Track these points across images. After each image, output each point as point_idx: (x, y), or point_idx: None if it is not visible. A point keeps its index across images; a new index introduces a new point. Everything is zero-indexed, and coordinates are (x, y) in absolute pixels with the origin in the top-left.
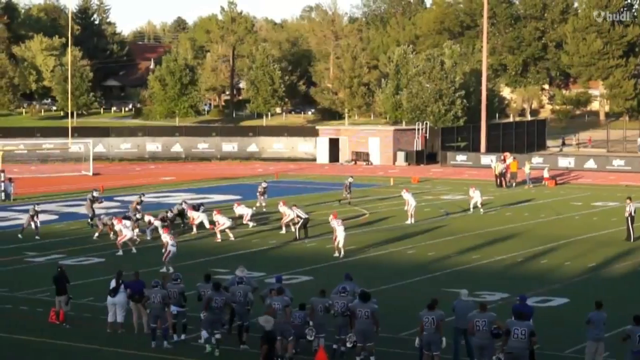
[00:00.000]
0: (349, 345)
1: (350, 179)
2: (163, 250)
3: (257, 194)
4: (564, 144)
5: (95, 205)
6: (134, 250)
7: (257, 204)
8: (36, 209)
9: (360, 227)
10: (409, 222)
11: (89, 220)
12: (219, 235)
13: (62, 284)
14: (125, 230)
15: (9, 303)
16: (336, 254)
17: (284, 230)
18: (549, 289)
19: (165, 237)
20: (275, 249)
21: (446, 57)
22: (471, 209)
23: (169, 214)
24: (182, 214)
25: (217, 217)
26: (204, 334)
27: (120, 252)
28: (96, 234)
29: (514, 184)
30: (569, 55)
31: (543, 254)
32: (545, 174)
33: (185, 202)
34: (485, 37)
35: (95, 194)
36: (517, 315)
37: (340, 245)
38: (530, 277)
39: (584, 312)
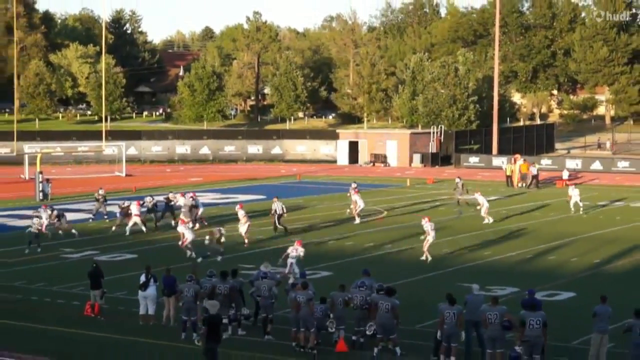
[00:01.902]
0: (368, 333)
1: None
2: (180, 243)
3: (350, 195)
4: (599, 146)
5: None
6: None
7: (352, 206)
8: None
9: (378, 226)
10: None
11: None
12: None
13: (96, 279)
14: (187, 233)
15: (47, 297)
16: (423, 258)
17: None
18: (556, 284)
19: (181, 228)
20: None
21: (460, 64)
22: (572, 208)
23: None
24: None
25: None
26: None
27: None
28: (113, 227)
29: (524, 185)
30: (577, 63)
31: (551, 250)
32: (565, 176)
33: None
34: (497, 45)
35: (101, 192)
36: (530, 307)
37: (425, 248)
38: (539, 272)
39: (589, 306)
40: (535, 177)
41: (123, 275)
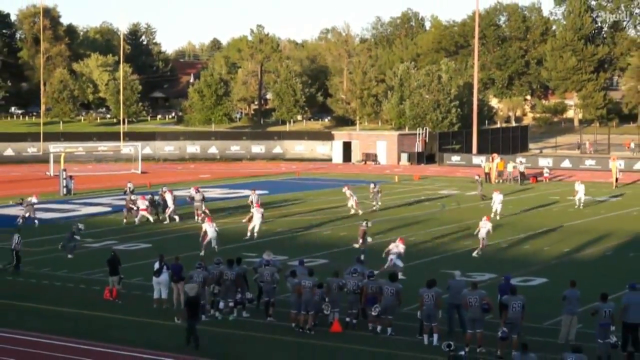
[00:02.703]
0: (374, 314)
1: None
2: (200, 239)
3: (371, 195)
4: (579, 147)
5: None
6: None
7: (374, 204)
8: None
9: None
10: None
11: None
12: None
13: (114, 266)
14: (210, 231)
15: (70, 282)
16: (476, 254)
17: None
18: (530, 270)
19: (205, 226)
20: (298, 236)
21: (443, 72)
22: (577, 203)
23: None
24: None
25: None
26: (221, 304)
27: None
28: (124, 220)
29: (500, 181)
30: (548, 71)
31: (525, 240)
32: (545, 173)
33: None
34: (476, 55)
35: (129, 185)
36: (511, 292)
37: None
38: (514, 260)
39: (560, 291)
40: (522, 173)
41: (139, 263)
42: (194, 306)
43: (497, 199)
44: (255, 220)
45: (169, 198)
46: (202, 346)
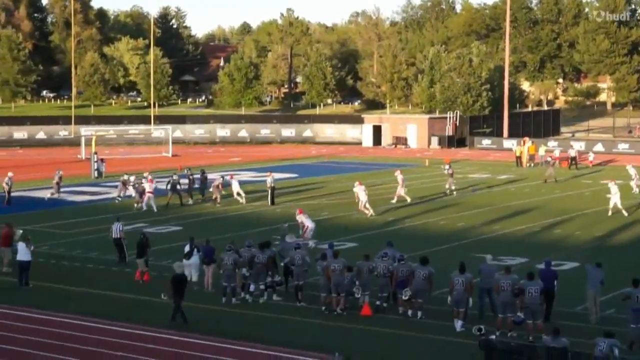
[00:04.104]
0: (404, 298)
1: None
2: (301, 231)
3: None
4: (630, 131)
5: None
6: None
7: (447, 188)
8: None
9: (400, 202)
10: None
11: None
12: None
13: (143, 248)
14: (308, 222)
15: (101, 264)
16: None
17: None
18: (561, 255)
19: (301, 217)
20: (327, 219)
21: (474, 55)
22: (634, 187)
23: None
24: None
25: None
26: (252, 287)
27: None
28: (135, 205)
29: (532, 165)
30: (581, 54)
31: (557, 224)
32: (590, 157)
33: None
34: (508, 38)
35: (175, 177)
36: (528, 277)
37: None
38: (546, 244)
39: None
40: (573, 158)
41: (169, 246)
42: (179, 284)
43: (613, 190)
44: (362, 197)
45: (147, 187)
46: (229, 329)
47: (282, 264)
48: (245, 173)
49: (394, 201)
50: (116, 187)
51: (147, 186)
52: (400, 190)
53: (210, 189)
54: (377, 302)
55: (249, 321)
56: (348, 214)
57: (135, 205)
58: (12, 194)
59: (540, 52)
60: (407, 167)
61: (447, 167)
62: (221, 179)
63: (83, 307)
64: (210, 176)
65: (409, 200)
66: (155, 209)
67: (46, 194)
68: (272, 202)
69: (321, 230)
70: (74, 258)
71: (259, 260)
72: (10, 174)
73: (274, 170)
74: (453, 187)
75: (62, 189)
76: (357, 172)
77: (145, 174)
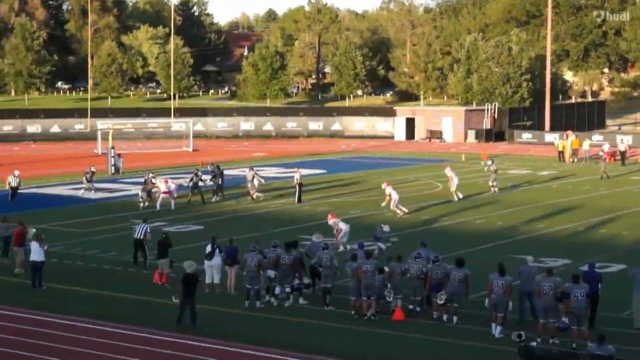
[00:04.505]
0: (439, 302)
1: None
2: (335, 232)
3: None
4: None
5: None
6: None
7: (491, 185)
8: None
9: (434, 199)
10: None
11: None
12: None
13: (164, 249)
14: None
15: (118, 265)
16: None
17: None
18: (608, 256)
19: (333, 221)
20: (357, 218)
21: (513, 43)
22: None
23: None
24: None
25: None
26: (277, 289)
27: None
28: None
29: (575, 160)
30: (627, 42)
31: (602, 223)
32: None
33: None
34: (550, 25)
35: (199, 173)
36: (573, 279)
37: None
38: (591, 245)
39: None
40: (623, 153)
41: (190, 246)
42: (190, 284)
43: None
44: (394, 195)
45: (163, 187)
46: (252, 334)
47: (311, 264)
48: (270, 169)
49: (461, 196)
50: (136, 184)
51: (163, 186)
52: (452, 187)
53: (248, 185)
54: (410, 306)
55: (273, 326)
56: (379, 212)
57: (140, 205)
58: (23, 191)
59: (584, 40)
60: (441, 163)
61: (489, 162)
62: (253, 172)
63: (98, 311)
64: (231, 172)
65: (456, 199)
66: (173, 207)
67: (79, 191)
68: (299, 200)
69: (352, 228)
70: (89, 258)
71: (284, 262)
72: (16, 172)
73: (301, 166)
74: (495, 183)
75: (77, 186)
76: (389, 168)
77: (150, 175)
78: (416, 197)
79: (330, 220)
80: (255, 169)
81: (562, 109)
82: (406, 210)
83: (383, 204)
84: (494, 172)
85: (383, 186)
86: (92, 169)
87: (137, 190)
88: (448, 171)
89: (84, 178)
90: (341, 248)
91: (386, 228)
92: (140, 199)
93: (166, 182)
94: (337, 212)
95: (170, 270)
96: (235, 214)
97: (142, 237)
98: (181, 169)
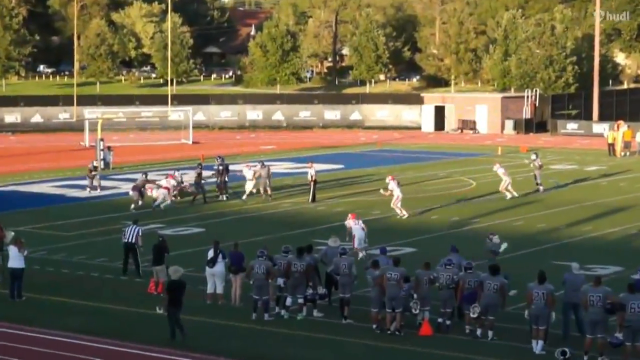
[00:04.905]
0: (473, 315)
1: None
2: (347, 238)
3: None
4: None
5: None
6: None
7: (537, 183)
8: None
9: (466, 198)
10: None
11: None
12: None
13: (160, 254)
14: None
15: (108, 273)
16: None
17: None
18: None
19: (349, 223)
20: (378, 219)
21: (557, 21)
22: None
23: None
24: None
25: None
26: (289, 300)
27: None
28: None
29: (627, 154)
30: None
31: None
32: None
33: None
34: (599, 0)
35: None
36: (629, 289)
37: None
38: None
39: None
40: None
41: (189, 251)
42: (175, 292)
43: None
44: (397, 193)
45: (164, 182)
46: (260, 351)
47: (327, 271)
48: (280, 164)
49: (515, 194)
50: (128, 181)
51: (164, 182)
52: (502, 186)
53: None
54: (439, 320)
55: (283, 342)
56: (404, 213)
57: (133, 205)
58: (1, 188)
59: (638, 17)
60: (475, 157)
61: (534, 156)
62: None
63: (85, 325)
64: (236, 167)
65: (508, 196)
66: (162, 206)
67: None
68: (314, 199)
69: (372, 232)
70: (76, 265)
71: (296, 269)
72: None
73: (315, 160)
74: (539, 180)
75: (62, 182)
76: (415, 163)
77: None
78: (445, 195)
79: (348, 221)
80: (253, 165)
81: (613, 95)
82: (406, 214)
83: (382, 191)
84: (539, 168)
85: (387, 180)
86: (95, 163)
87: (129, 187)
88: (497, 168)
89: (89, 175)
90: (360, 255)
91: (496, 239)
92: (134, 202)
93: (172, 177)
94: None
95: (167, 278)
96: (241, 215)
97: (133, 240)
98: (178, 163)
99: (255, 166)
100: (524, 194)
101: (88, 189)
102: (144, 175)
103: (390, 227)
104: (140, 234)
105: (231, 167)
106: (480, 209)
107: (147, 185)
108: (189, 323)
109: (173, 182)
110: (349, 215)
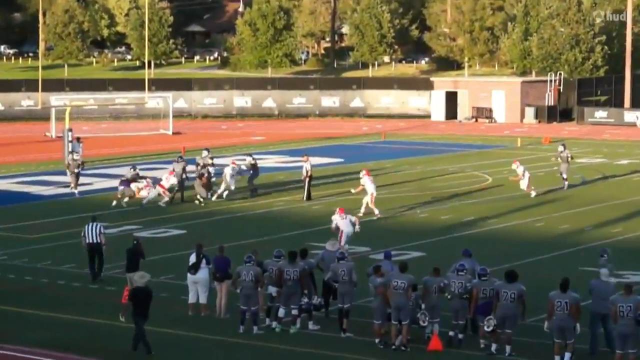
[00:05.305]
0: (487, 329)
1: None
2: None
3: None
4: None
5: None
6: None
7: (563, 178)
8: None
9: (481, 195)
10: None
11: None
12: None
13: (135, 260)
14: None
15: (77, 281)
16: None
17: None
18: None
19: (336, 218)
20: (381, 220)
21: None
22: None
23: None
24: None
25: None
26: (281, 311)
27: None
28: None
29: None
30: None
31: None
32: None
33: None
34: None
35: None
36: None
37: None
38: None
39: None
40: None
41: (169, 256)
42: (141, 300)
43: None
44: (346, 230)
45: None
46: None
47: (324, 279)
48: (271, 157)
49: (533, 194)
50: (97, 175)
51: (164, 179)
52: (523, 184)
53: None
54: (451, 333)
55: (275, 357)
56: (411, 211)
57: (115, 201)
58: None
59: None
60: (492, 149)
61: (561, 148)
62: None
63: (51, 339)
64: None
65: (533, 195)
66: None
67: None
68: (309, 197)
69: (375, 234)
70: (40, 272)
71: (289, 276)
72: None
73: (311, 153)
74: (565, 175)
75: (25, 178)
76: (423, 156)
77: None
78: (458, 192)
79: (334, 216)
80: (242, 159)
81: None
82: (379, 215)
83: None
84: (566, 162)
85: (361, 174)
86: (76, 156)
87: (101, 184)
88: (518, 166)
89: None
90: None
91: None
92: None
93: (172, 173)
94: (356, 212)
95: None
96: (228, 215)
97: (97, 240)
98: (156, 157)
99: (244, 160)
100: (545, 192)
101: (72, 187)
102: (132, 169)
103: (396, 228)
104: (102, 231)
105: (216, 161)
106: (497, 208)
107: (145, 182)
108: (167, 337)
109: (173, 181)
110: (337, 209)
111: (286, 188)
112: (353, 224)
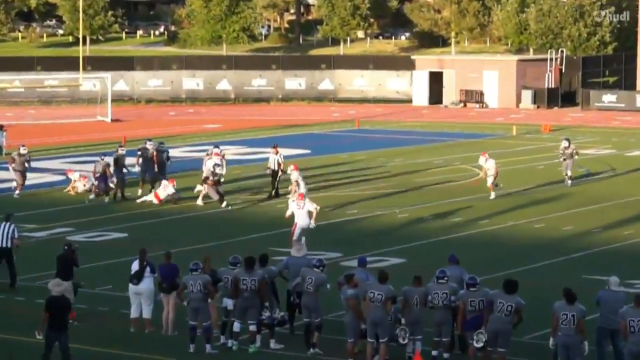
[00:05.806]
0: (477, 345)
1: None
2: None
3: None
4: None
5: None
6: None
7: (566, 176)
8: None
9: (471, 192)
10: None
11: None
12: None
13: (67, 267)
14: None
15: None
16: None
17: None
18: None
19: (295, 175)
20: (356, 221)
21: None
22: None
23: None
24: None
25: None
26: (237, 326)
27: None
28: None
29: None
30: None
31: None
32: None
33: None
34: None
35: (121, 151)
36: None
37: None
38: None
39: None
40: None
41: (108, 263)
42: (56, 311)
43: None
44: (301, 222)
45: None
46: None
47: (288, 289)
48: (228, 148)
49: (492, 196)
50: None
51: (161, 188)
52: (489, 181)
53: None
54: (434, 352)
55: None
56: (389, 211)
57: (89, 198)
58: None
59: None
60: (483, 139)
61: (566, 143)
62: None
63: None
64: (174, 153)
65: (492, 196)
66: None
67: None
68: (276, 194)
69: (349, 237)
70: None
71: (246, 286)
72: None
73: (273, 142)
74: (569, 173)
75: None
76: (404, 147)
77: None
78: (444, 189)
79: (293, 173)
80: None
81: None
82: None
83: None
84: (570, 157)
85: (289, 170)
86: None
87: (32, 179)
88: (486, 160)
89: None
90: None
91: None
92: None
93: (172, 181)
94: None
95: (74, 298)
96: (177, 216)
97: (7, 244)
98: (92, 148)
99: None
100: (544, 184)
101: (15, 186)
102: (102, 158)
103: (372, 230)
104: (16, 234)
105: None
106: (488, 208)
107: (79, 174)
108: (104, 357)
109: (170, 190)
110: (291, 166)
111: (245, 184)
112: (310, 216)
